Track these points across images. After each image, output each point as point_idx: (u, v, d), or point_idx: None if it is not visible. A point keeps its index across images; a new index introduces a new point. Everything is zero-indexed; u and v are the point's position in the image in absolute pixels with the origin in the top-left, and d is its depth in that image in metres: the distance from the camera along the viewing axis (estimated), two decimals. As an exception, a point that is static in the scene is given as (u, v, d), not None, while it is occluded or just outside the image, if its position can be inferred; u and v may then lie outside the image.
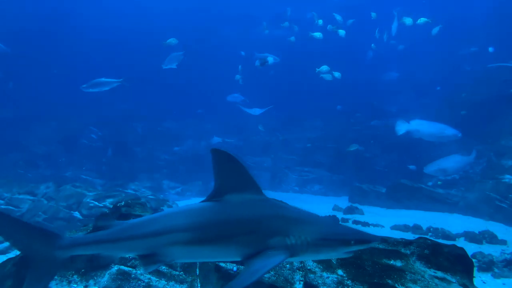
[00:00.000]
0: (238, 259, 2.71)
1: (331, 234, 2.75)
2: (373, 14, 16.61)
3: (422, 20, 13.80)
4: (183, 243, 2.73)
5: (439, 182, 13.36)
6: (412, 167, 14.47)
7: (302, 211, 2.92)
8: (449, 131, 11.08)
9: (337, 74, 14.36)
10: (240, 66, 17.57)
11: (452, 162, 11.99)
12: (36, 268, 2.86)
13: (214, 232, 2.72)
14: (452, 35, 19.30)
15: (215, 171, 2.90)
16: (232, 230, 2.71)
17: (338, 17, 16.77)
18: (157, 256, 2.76)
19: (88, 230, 5.07)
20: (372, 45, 17.28)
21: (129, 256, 4.75)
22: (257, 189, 2.90)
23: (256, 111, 15.76)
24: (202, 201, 2.92)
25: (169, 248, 2.75)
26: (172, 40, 12.98)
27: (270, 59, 15.88)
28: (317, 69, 14.06)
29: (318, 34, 14.79)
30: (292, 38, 17.78)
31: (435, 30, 14.81)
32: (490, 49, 15.44)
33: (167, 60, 12.16)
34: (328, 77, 14.08)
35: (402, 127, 11.35)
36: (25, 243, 2.89)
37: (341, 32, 15.12)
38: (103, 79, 11.38)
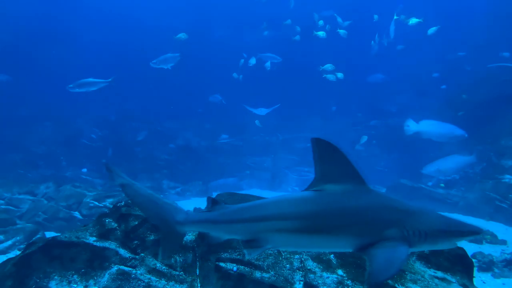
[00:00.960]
0: (349, 250, 2.70)
1: (446, 226, 2.71)
2: (376, 16, 16.62)
3: (414, 20, 13.79)
4: (290, 231, 2.72)
5: (441, 184, 13.35)
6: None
7: (409, 202, 2.89)
8: (457, 131, 11.11)
9: (340, 75, 14.34)
10: (242, 60, 17.51)
11: (451, 163, 11.99)
12: (164, 237, 3.28)
13: (323, 221, 2.70)
14: (452, 35, 19.30)
15: (316, 161, 2.85)
16: (344, 220, 2.68)
17: (339, 19, 16.77)
18: (261, 241, 2.78)
19: (88, 230, 5.07)
20: (372, 42, 17.24)
21: (129, 257, 4.76)
22: (360, 179, 2.84)
23: (262, 111, 15.69)
24: (304, 191, 2.90)
25: (274, 235, 2.77)
26: (182, 35, 12.94)
27: (267, 65, 15.90)
28: (321, 67, 14.02)
29: (321, 33, 14.77)
30: (297, 37, 17.74)
31: (432, 30, 14.79)
32: (506, 54, 15.39)
33: (161, 60, 11.95)
34: (332, 77, 14.05)
35: (411, 128, 11.36)
36: (155, 215, 3.25)
37: (343, 32, 15.11)
38: (90, 79, 11.34)
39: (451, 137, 11.19)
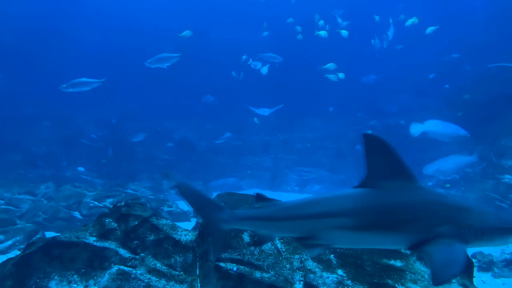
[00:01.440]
0: (402, 247, 2.69)
1: (503, 223, 2.66)
2: (377, 17, 16.61)
3: (411, 20, 13.80)
4: (346, 228, 2.70)
5: (447, 185, 13.34)
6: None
7: (463, 199, 2.86)
8: (460, 131, 11.14)
9: (341, 75, 14.32)
10: (244, 57, 17.43)
11: (451, 163, 11.99)
12: (212, 234, 3.30)
13: (378, 218, 2.67)
14: (452, 35, 19.30)
15: (367, 157, 2.80)
16: (398, 217, 2.65)
17: (339, 19, 16.76)
18: (315, 239, 2.75)
19: (88, 230, 5.07)
20: (372, 41, 17.23)
21: (129, 257, 4.76)
22: (411, 176, 2.79)
23: (265, 111, 15.65)
24: (356, 187, 2.87)
25: (330, 232, 2.74)
26: (187, 33, 12.90)
27: (264, 69, 15.83)
28: (323, 66, 14.00)
29: (323, 33, 14.76)
30: (300, 36, 17.71)
31: (430, 29, 14.79)
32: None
33: (156, 59, 11.78)
34: (333, 77, 14.03)
35: (417, 128, 11.38)
36: (204, 212, 3.27)
37: (344, 32, 15.11)
38: (83, 79, 11.31)
39: (455, 136, 11.21)
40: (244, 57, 17.61)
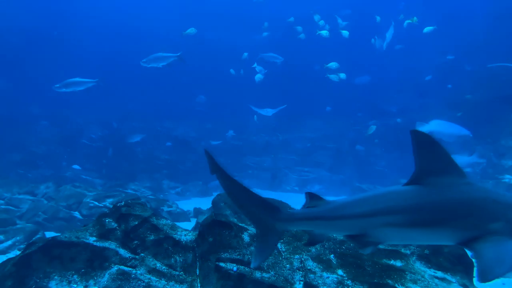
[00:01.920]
0: (451, 243, 2.70)
1: None
2: (378, 18, 16.61)
3: (411, 20, 13.81)
4: (397, 226, 2.70)
5: None
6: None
7: None
8: (464, 131, 11.21)
9: (342, 75, 14.34)
10: (245, 54, 17.37)
11: None
12: (262, 236, 3.07)
13: (428, 215, 2.67)
14: (452, 35, 19.30)
15: (416, 154, 2.80)
16: (449, 214, 2.64)
17: (339, 20, 16.76)
18: (367, 237, 2.76)
19: (88, 230, 5.07)
20: (372, 40, 17.23)
21: (129, 257, 4.76)
22: (460, 172, 2.77)
23: (268, 112, 15.63)
24: (404, 184, 2.87)
25: (381, 230, 2.74)
26: (191, 30, 12.85)
27: (259, 76, 15.78)
28: (325, 65, 14.00)
29: (325, 32, 14.76)
30: (302, 36, 17.70)
31: (428, 29, 14.79)
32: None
33: (151, 59, 11.62)
34: (334, 77, 14.04)
35: (424, 129, 11.43)
36: (255, 212, 3.08)
37: (345, 33, 15.12)
38: (77, 79, 11.28)
39: (459, 136, 11.27)
40: (245, 54, 17.60)
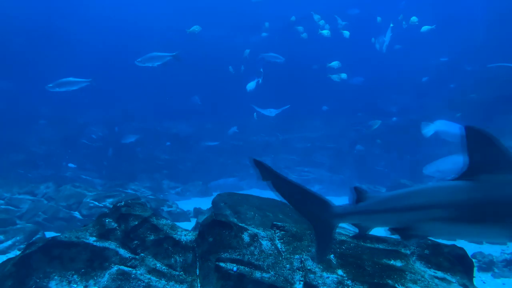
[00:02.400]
0: (504, 240, 2.73)
1: None
2: (379, 18, 16.62)
3: (412, 20, 13.83)
4: (444, 220, 2.68)
5: None
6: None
7: None
8: None
9: (343, 75, 14.34)
10: (247, 51, 17.30)
11: (450, 163, 12.00)
12: (319, 232, 3.23)
13: (479, 211, 2.63)
14: (452, 35, 19.30)
15: (469, 149, 2.76)
16: (500, 210, 2.59)
17: (339, 20, 16.76)
18: (412, 230, 2.75)
19: (88, 230, 5.06)
20: (373, 39, 17.25)
21: (129, 257, 4.76)
22: None
23: (272, 112, 15.62)
24: (454, 179, 2.83)
25: (427, 224, 2.73)
26: (196, 28, 12.84)
27: (250, 85, 15.71)
28: (328, 64, 14.00)
29: (326, 32, 14.76)
30: (305, 35, 17.69)
31: (425, 28, 14.79)
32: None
33: (146, 58, 11.59)
34: (335, 78, 14.05)
35: (430, 129, 11.44)
36: (309, 210, 3.21)
37: (346, 33, 15.12)
38: (70, 79, 11.25)
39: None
40: (247, 51, 17.59)
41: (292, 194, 3.21)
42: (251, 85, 15.73)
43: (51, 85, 11.09)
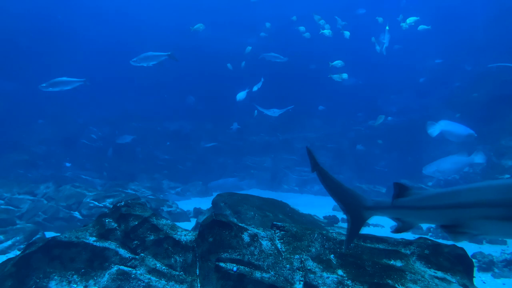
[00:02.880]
0: None
1: None
2: (380, 19, 16.61)
3: (409, 20, 13.83)
4: (498, 219, 2.63)
5: None
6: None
7: None
8: (470, 131, 11.26)
9: (344, 75, 14.31)
10: (249, 48, 17.31)
11: (450, 163, 12.01)
12: (353, 222, 3.54)
13: None
14: (452, 35, 19.29)
15: None
16: None
17: (339, 20, 16.75)
18: (462, 228, 2.74)
19: (88, 230, 5.06)
20: (372, 38, 17.22)
21: (129, 257, 4.76)
22: None
23: (275, 112, 15.59)
24: (508, 178, 2.86)
25: (478, 222, 2.70)
26: (200, 26, 12.82)
27: (240, 95, 15.66)
28: (330, 63, 13.97)
29: (327, 32, 14.73)
30: (307, 34, 17.66)
31: (422, 27, 14.78)
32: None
33: (141, 58, 11.44)
34: (337, 77, 14.02)
35: (435, 129, 11.46)
36: (346, 202, 3.54)
37: (346, 33, 15.10)
38: (64, 78, 11.15)
39: (466, 136, 11.31)
40: (249, 48, 17.57)
41: (334, 188, 3.60)
42: (241, 95, 15.71)
43: (44, 84, 10.99)
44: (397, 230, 3.27)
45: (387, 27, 14.73)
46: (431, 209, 2.94)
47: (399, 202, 3.14)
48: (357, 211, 3.44)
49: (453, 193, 2.93)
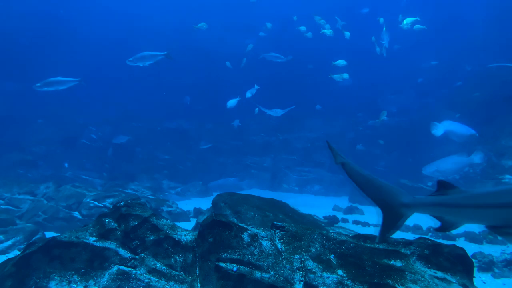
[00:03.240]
0: None
1: None
2: (381, 20, 16.61)
3: (408, 20, 13.84)
4: None
5: None
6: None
7: None
8: (472, 131, 11.27)
9: (345, 75, 14.31)
10: (250, 46, 17.35)
11: (450, 163, 12.02)
12: (387, 218, 3.32)
13: None
14: (452, 35, 19.29)
15: None
16: None
17: (339, 20, 16.75)
18: (510, 228, 2.66)
19: (88, 230, 5.06)
20: (373, 38, 17.21)
21: (129, 257, 4.75)
22: None
23: (278, 112, 15.57)
24: None
25: None
26: (203, 25, 12.82)
27: (231, 103, 15.66)
28: (333, 62, 13.96)
29: (328, 31, 14.73)
30: (309, 34, 17.64)
31: (417, 27, 14.79)
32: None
33: (138, 58, 11.41)
34: (337, 77, 14.01)
35: (439, 129, 11.48)
36: (378, 197, 3.34)
37: (347, 34, 15.09)
38: (59, 78, 11.09)
39: (468, 136, 11.33)
40: (250, 45, 17.57)
41: (360, 180, 3.40)
42: (231, 103, 15.71)
43: (39, 84, 10.91)
44: (439, 229, 3.17)
45: (384, 29, 14.75)
46: (480, 208, 2.82)
47: (442, 199, 3.01)
48: (392, 208, 3.23)
49: (505, 193, 2.80)
